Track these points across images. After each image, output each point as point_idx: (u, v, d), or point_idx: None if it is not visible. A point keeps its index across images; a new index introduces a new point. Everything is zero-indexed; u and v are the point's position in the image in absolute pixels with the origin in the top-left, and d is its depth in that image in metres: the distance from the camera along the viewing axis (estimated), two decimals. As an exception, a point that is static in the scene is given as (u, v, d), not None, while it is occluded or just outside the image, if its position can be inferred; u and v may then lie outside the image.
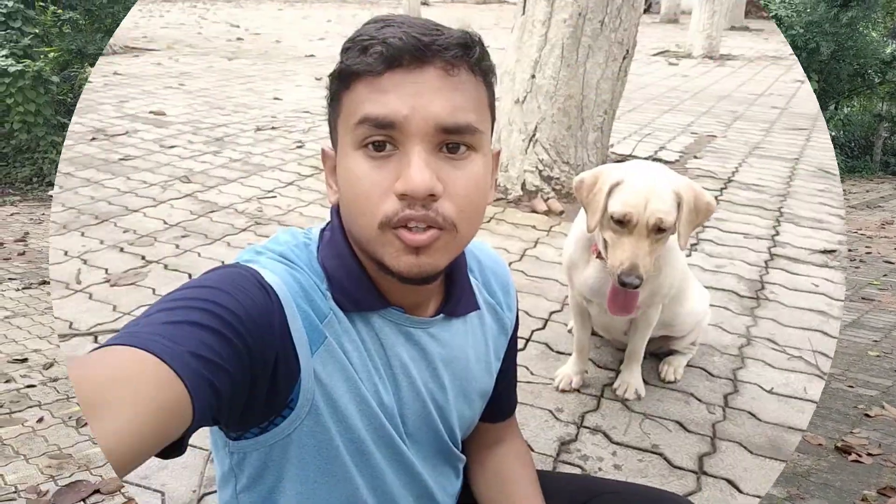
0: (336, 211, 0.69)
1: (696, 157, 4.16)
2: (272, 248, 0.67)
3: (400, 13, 0.63)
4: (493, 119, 0.67)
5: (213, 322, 0.52)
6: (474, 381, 0.79)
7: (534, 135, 3.15)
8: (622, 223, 1.34)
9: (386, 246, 0.60)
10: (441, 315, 0.73)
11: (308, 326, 0.62)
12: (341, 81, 0.61)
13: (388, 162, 0.58)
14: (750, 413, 1.71)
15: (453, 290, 0.74)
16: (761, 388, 1.82)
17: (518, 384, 1.80)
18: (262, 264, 0.64)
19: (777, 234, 2.93)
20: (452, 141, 0.59)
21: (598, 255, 1.51)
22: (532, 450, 1.55)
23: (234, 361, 0.52)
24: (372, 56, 0.57)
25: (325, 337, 0.64)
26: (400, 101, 0.57)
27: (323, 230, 0.71)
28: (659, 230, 1.34)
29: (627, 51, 3.11)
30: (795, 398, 1.77)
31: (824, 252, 2.73)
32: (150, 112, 5.04)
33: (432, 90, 0.57)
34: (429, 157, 0.58)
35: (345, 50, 0.61)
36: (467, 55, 0.59)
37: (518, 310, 0.88)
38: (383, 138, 0.58)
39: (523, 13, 3.12)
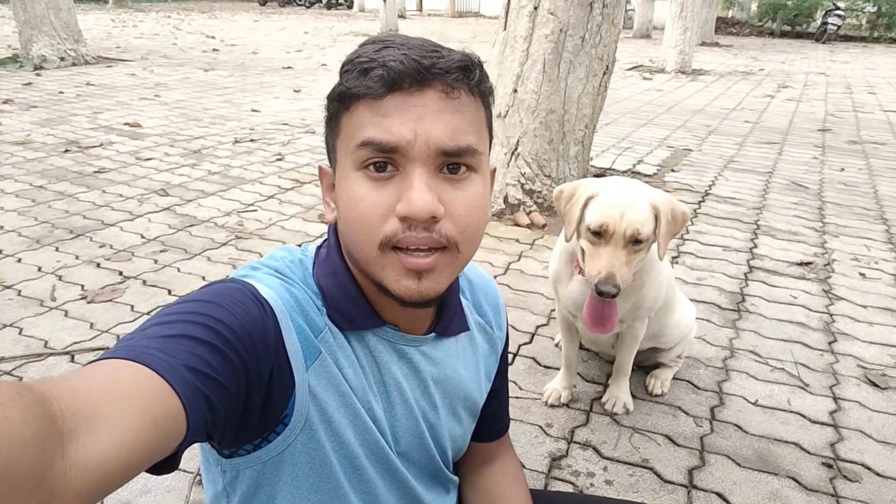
0: (333, 229, 0.69)
1: (673, 171, 4.23)
2: (268, 264, 0.68)
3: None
4: (491, 139, 0.68)
5: (209, 336, 0.51)
6: (464, 401, 0.80)
7: (516, 148, 3.17)
8: (599, 234, 1.36)
9: (386, 268, 0.60)
10: (433, 334, 0.73)
11: (303, 341, 0.62)
12: (340, 103, 0.61)
13: (388, 183, 0.58)
14: (736, 426, 1.72)
15: (445, 311, 0.74)
16: (746, 400, 1.84)
17: (508, 400, 1.79)
18: (258, 279, 0.64)
19: (755, 246, 2.98)
20: (453, 162, 0.59)
21: (581, 270, 1.52)
22: (523, 466, 1.54)
23: (229, 376, 0.51)
24: (372, 79, 0.57)
25: (319, 352, 0.63)
26: (402, 125, 0.57)
27: (319, 248, 0.71)
28: (636, 241, 1.35)
29: (607, 66, 3.15)
30: (780, 410, 1.80)
31: (801, 264, 2.78)
32: (126, 124, 4.95)
33: (433, 113, 0.57)
34: (430, 179, 0.58)
35: (343, 71, 0.60)
36: (467, 78, 0.60)
37: (508, 331, 0.89)
38: (384, 160, 0.58)
39: (505, 28, 3.15)
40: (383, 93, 0.57)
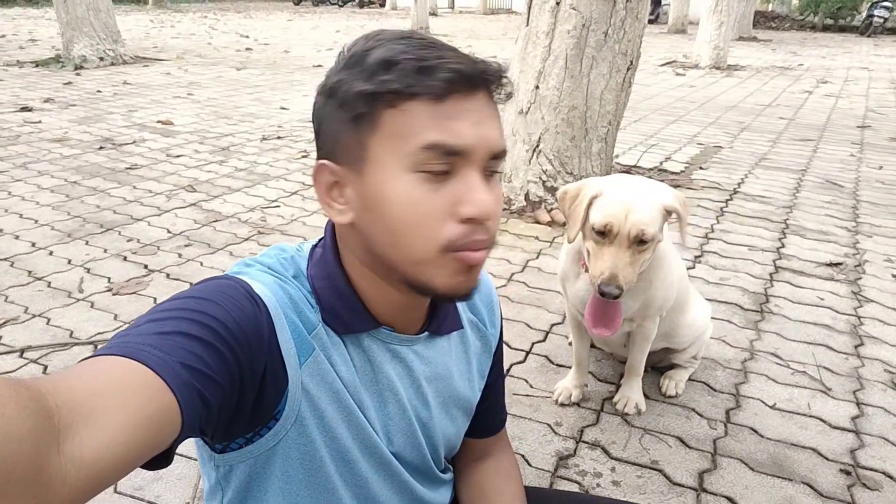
0: (331, 230, 0.69)
1: (701, 168, 4.14)
2: (261, 261, 0.68)
3: (390, 27, 0.63)
4: None
5: (203, 333, 0.52)
6: (457, 399, 0.79)
7: (537, 145, 3.14)
8: (603, 234, 1.34)
9: (441, 268, 0.60)
10: (426, 333, 0.73)
11: (297, 338, 0.62)
12: (380, 100, 0.57)
13: (444, 185, 0.58)
14: (752, 429, 1.68)
15: (438, 310, 0.74)
16: (764, 403, 1.79)
17: (517, 397, 1.80)
18: (252, 276, 0.64)
19: (783, 246, 2.90)
20: (494, 167, 0.61)
21: (587, 269, 1.50)
22: (529, 464, 1.54)
23: (223, 372, 0.52)
24: (436, 79, 0.56)
25: (313, 348, 0.64)
26: (466, 129, 0.57)
27: (314, 247, 0.71)
28: (640, 242, 1.33)
29: (631, 62, 3.10)
30: (799, 414, 1.75)
31: (830, 265, 2.70)
32: (158, 121, 5.08)
33: (487, 118, 0.59)
34: (484, 181, 0.60)
35: (381, 69, 0.57)
36: (504, 86, 0.62)
37: (502, 327, 0.88)
38: (447, 166, 0.58)
39: (527, 24, 3.13)
40: (444, 94, 0.56)
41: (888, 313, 2.31)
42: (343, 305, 0.66)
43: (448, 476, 0.87)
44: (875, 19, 16.09)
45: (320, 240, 0.71)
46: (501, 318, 0.88)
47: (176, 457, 0.50)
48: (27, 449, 0.34)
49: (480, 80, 0.58)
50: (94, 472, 0.39)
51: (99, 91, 6.33)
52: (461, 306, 0.81)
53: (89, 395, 0.41)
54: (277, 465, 0.65)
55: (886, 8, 16.00)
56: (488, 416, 0.91)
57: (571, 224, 1.42)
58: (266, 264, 0.67)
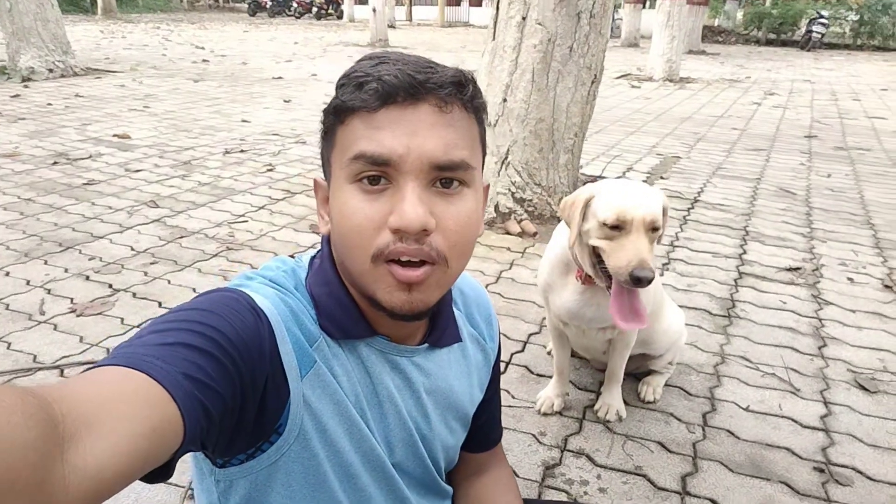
0: (327, 240, 0.70)
1: (662, 178, 4.26)
2: (262, 274, 0.68)
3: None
4: (484, 154, 0.68)
5: (206, 344, 0.52)
6: (456, 411, 0.80)
7: (506, 157, 3.18)
8: (618, 227, 1.35)
9: (378, 281, 0.60)
10: (425, 345, 0.74)
11: (298, 350, 0.63)
12: (336, 116, 0.61)
13: (381, 196, 0.59)
14: (729, 431, 1.73)
15: (437, 321, 0.74)
16: (738, 405, 1.84)
17: (501, 409, 1.79)
18: (254, 289, 0.64)
19: (744, 252, 3.00)
20: (446, 177, 0.60)
21: (585, 280, 1.52)
22: (516, 475, 1.54)
23: (225, 384, 0.52)
24: (367, 92, 0.58)
25: (314, 361, 0.64)
26: (395, 138, 0.57)
27: (313, 258, 0.72)
28: (653, 229, 1.36)
29: (595, 75, 3.18)
30: (771, 415, 1.81)
31: (790, 270, 2.81)
32: (115, 135, 4.94)
33: (426, 127, 0.58)
34: (422, 193, 0.58)
35: (340, 86, 0.62)
36: (460, 93, 0.60)
37: (500, 341, 0.89)
38: (378, 173, 0.59)
39: (493, 39, 3.17)
40: (377, 106, 0.58)
41: (846, 315, 2.41)
42: (340, 310, 0.66)
43: (450, 489, 0.87)
44: (813, 34, 16.95)
45: (319, 251, 0.72)
46: (499, 334, 0.89)
47: (159, 485, 0.49)
48: (32, 457, 0.34)
49: (421, 89, 0.58)
50: (96, 481, 0.39)
51: (49, 104, 6.12)
52: (461, 319, 0.81)
53: (94, 405, 0.41)
54: (280, 480, 0.64)
55: (823, 24, 16.88)
56: (485, 431, 0.91)
57: (573, 228, 1.44)
58: (268, 277, 0.68)
